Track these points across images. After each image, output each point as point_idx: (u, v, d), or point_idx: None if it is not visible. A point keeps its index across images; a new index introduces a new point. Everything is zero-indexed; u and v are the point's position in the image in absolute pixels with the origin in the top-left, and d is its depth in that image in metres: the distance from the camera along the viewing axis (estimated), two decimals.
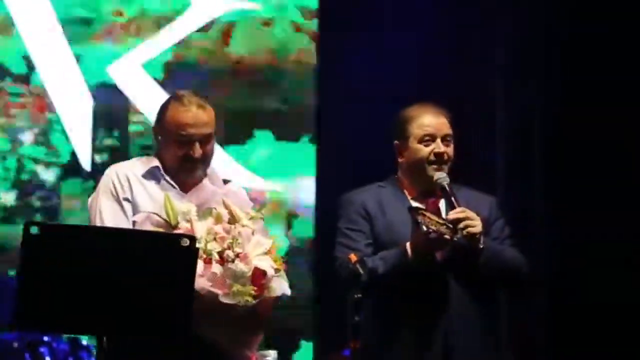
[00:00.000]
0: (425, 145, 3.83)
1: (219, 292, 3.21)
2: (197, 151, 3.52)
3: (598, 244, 6.18)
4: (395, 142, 3.92)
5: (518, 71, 6.80)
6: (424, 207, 3.71)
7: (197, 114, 3.54)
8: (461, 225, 3.68)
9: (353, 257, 3.52)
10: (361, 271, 3.48)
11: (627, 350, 6.10)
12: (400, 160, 3.92)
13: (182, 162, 3.54)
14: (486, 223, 3.82)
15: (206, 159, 3.58)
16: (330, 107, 7.14)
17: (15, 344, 5.58)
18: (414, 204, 3.78)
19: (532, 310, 6.44)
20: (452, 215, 3.71)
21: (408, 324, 3.75)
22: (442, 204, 3.88)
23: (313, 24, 7.25)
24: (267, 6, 7.21)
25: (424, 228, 3.61)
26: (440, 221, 3.64)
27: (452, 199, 3.76)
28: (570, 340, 6.22)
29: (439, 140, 3.83)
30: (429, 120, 3.85)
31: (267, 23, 7.20)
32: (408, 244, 3.69)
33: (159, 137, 3.61)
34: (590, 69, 6.35)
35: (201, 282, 3.20)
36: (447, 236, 3.60)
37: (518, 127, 6.76)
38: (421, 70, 6.75)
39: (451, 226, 3.63)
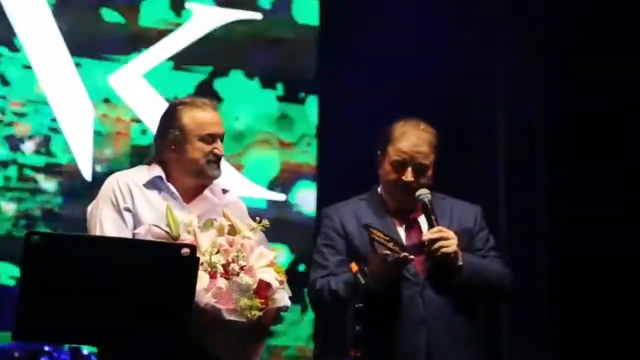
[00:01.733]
0: (396, 171, 3.82)
1: (223, 307, 3.20)
2: (221, 148, 3.60)
3: (600, 246, 6.20)
4: (378, 153, 3.92)
5: (519, 77, 6.81)
6: (374, 226, 3.67)
7: (215, 114, 3.64)
8: (435, 245, 3.68)
9: (354, 267, 3.53)
10: (362, 281, 3.48)
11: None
12: (379, 172, 3.93)
13: (209, 160, 3.58)
14: (469, 234, 3.82)
15: (221, 158, 3.63)
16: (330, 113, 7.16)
17: (16, 354, 5.57)
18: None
19: (535, 317, 6.44)
20: (427, 236, 3.71)
21: (389, 339, 3.73)
22: (422, 219, 3.86)
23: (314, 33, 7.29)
24: (267, 17, 7.23)
25: (378, 249, 3.60)
26: (390, 242, 3.62)
27: (432, 217, 3.75)
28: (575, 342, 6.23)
29: (409, 169, 3.81)
30: (406, 146, 3.82)
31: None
32: (367, 269, 3.62)
33: (176, 144, 3.59)
34: (590, 75, 6.37)
35: (206, 297, 3.19)
36: (401, 256, 3.57)
37: (519, 133, 6.77)
38: (421, 78, 6.76)
39: (397, 248, 3.60)
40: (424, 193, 3.80)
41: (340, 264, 3.81)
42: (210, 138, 3.59)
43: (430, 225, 3.75)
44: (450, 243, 3.69)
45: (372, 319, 3.68)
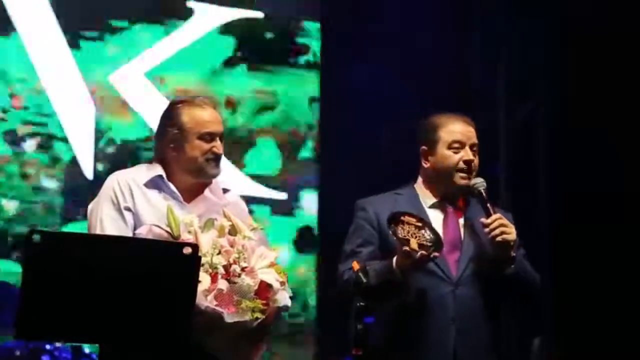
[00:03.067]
0: (454, 152, 3.80)
1: (224, 311, 3.20)
2: (220, 146, 3.59)
3: (600, 247, 6.20)
4: (423, 147, 3.87)
5: (519, 82, 6.82)
6: (406, 219, 3.62)
7: (214, 113, 3.64)
8: (497, 231, 3.66)
9: (355, 265, 3.52)
10: (363, 279, 3.48)
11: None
12: (425, 165, 3.87)
13: (208, 158, 3.58)
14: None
15: (221, 156, 3.62)
16: (332, 121, 7.17)
17: (18, 352, 5.57)
18: (403, 213, 3.69)
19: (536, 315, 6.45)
20: (488, 221, 3.68)
21: (417, 337, 3.72)
22: (460, 215, 3.82)
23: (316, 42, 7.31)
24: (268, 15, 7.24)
25: (399, 243, 3.56)
26: (421, 235, 3.59)
27: (488, 205, 3.74)
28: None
29: (467, 148, 3.80)
30: (459, 127, 3.82)
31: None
32: (394, 259, 3.63)
33: (175, 142, 3.59)
34: (590, 79, 6.37)
35: (207, 300, 3.19)
36: (422, 253, 3.53)
37: (520, 137, 6.77)
38: (422, 85, 6.77)
39: (430, 244, 3.58)
40: (479, 182, 3.79)
41: (371, 257, 3.76)
42: (209, 136, 3.59)
43: (487, 213, 3.72)
44: (511, 231, 3.68)
45: (402, 315, 3.71)
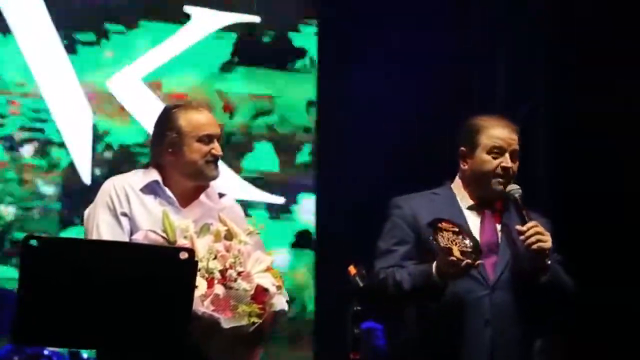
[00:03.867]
0: (494, 158, 3.77)
1: (221, 316, 3.20)
2: (219, 148, 3.60)
3: (600, 249, 6.20)
4: (462, 148, 3.84)
5: (519, 85, 6.82)
6: (443, 226, 3.59)
7: (210, 116, 3.65)
8: (533, 239, 3.64)
9: (352, 270, 3.52)
10: (360, 284, 3.47)
11: None
12: (463, 167, 3.85)
13: (208, 161, 3.58)
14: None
15: (219, 159, 3.63)
16: (330, 124, 7.17)
17: (16, 358, 5.57)
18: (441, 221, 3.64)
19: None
20: (524, 229, 3.66)
21: (452, 339, 3.70)
22: (497, 219, 3.79)
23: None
24: (265, 19, 7.25)
25: (442, 253, 3.53)
26: (460, 241, 3.56)
27: (524, 212, 3.72)
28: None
29: (507, 154, 3.77)
30: (500, 133, 3.78)
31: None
32: (434, 265, 3.59)
33: (174, 146, 3.59)
34: (589, 81, 6.38)
35: (204, 306, 3.19)
36: (467, 262, 3.50)
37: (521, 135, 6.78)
38: (421, 88, 6.78)
39: (471, 250, 3.55)
40: (514, 188, 3.77)
41: (407, 255, 3.73)
42: (208, 139, 3.59)
43: (523, 220, 3.70)
44: (547, 239, 3.66)
45: (438, 318, 3.69)
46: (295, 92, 7.29)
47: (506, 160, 3.77)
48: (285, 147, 7.24)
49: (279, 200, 7.17)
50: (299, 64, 7.33)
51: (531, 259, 3.69)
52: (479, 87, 6.99)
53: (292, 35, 7.32)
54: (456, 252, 3.51)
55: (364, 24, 7.01)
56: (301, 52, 7.32)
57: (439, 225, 3.58)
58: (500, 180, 3.77)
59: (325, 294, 6.98)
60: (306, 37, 7.32)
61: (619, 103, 6.29)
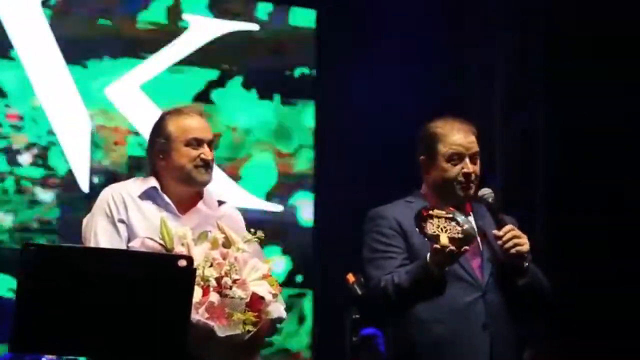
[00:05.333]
0: (454, 165, 3.77)
1: (216, 324, 3.19)
2: (209, 153, 3.58)
3: (599, 252, 6.20)
4: (421, 157, 3.85)
5: (518, 85, 6.82)
6: (435, 213, 3.58)
7: (201, 120, 3.64)
8: (510, 243, 3.64)
9: (350, 278, 3.51)
10: (359, 292, 3.47)
11: None
12: (426, 176, 3.86)
13: (197, 165, 3.57)
14: None
15: (212, 163, 3.61)
16: (329, 124, 7.17)
17: None
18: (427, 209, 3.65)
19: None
20: (501, 233, 3.66)
21: (450, 344, 3.69)
22: (472, 221, 3.79)
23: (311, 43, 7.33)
24: (264, 28, 7.26)
25: (426, 238, 3.54)
26: (452, 227, 3.55)
27: (499, 215, 3.73)
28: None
29: (467, 159, 3.78)
30: (457, 139, 3.78)
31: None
32: (428, 255, 3.60)
33: (164, 152, 3.58)
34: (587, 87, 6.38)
35: (199, 313, 3.18)
36: (451, 249, 3.50)
37: (518, 148, 6.78)
38: (420, 88, 6.77)
39: (461, 236, 3.55)
40: (487, 193, 3.78)
41: (404, 262, 3.72)
42: (196, 142, 3.58)
43: (499, 224, 3.71)
44: (525, 242, 3.66)
45: (433, 324, 3.69)
46: (293, 100, 7.31)
47: (466, 166, 3.76)
48: (284, 154, 7.24)
49: (278, 208, 7.17)
50: (297, 71, 7.34)
51: (509, 263, 3.68)
52: (479, 87, 6.99)
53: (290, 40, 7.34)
54: (443, 240, 3.50)
55: (363, 29, 7.02)
56: (300, 58, 7.34)
57: (430, 212, 3.58)
58: (464, 185, 3.77)
59: (324, 300, 6.99)
60: (305, 41, 7.33)
61: (618, 109, 6.29)
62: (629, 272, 6.26)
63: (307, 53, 7.31)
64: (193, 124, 3.60)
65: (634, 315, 6.22)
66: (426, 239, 3.55)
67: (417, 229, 3.56)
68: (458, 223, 3.58)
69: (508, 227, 3.69)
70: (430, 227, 3.54)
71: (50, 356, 5.58)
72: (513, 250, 3.65)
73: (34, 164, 6.68)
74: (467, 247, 3.55)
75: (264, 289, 3.29)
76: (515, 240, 3.65)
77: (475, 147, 3.80)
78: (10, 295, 6.07)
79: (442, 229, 3.55)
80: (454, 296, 3.68)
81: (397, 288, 3.66)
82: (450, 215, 3.59)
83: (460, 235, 3.55)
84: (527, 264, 3.70)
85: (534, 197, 6.65)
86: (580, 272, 6.23)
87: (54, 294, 2.90)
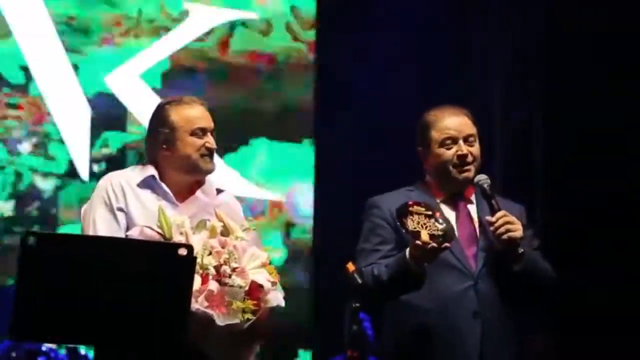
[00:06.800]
0: (447, 149, 3.75)
1: (215, 312, 3.19)
2: (213, 142, 3.60)
3: (599, 247, 6.20)
4: (419, 148, 3.84)
5: (517, 83, 6.83)
6: (415, 209, 3.58)
7: (203, 109, 3.64)
8: (502, 229, 3.62)
9: (350, 267, 3.51)
10: (359, 281, 3.47)
11: None
12: (426, 166, 3.85)
13: (202, 154, 3.58)
14: None
15: (214, 152, 3.63)
16: (328, 114, 7.17)
17: (14, 354, 5.57)
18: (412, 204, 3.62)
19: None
20: (494, 219, 3.65)
21: (440, 332, 3.69)
22: (472, 209, 3.81)
23: (310, 34, 7.31)
24: (264, 15, 7.25)
25: (407, 234, 3.54)
26: (432, 224, 3.55)
27: (493, 201, 3.70)
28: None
29: (460, 141, 3.75)
30: (449, 123, 3.77)
31: (265, 32, 7.25)
32: (407, 251, 3.59)
33: (168, 142, 3.58)
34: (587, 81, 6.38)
35: (198, 302, 3.18)
36: (432, 245, 3.50)
37: (517, 139, 6.79)
38: (419, 77, 6.77)
39: (441, 233, 3.54)
40: (482, 178, 3.74)
41: (390, 255, 3.71)
42: (201, 132, 3.59)
43: (493, 210, 3.68)
44: (517, 228, 3.63)
45: (424, 312, 3.69)
46: (293, 86, 7.30)
47: (460, 148, 3.74)
48: (283, 141, 7.24)
49: (277, 196, 7.18)
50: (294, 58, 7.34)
51: (503, 249, 3.67)
52: (478, 85, 7.00)
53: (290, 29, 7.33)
54: (424, 236, 3.49)
55: (363, 23, 7.02)
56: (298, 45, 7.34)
57: (410, 208, 3.57)
58: (460, 168, 3.75)
59: (323, 289, 6.99)
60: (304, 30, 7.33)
61: (618, 105, 6.29)
62: (628, 267, 6.26)
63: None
64: (197, 114, 3.61)
65: (634, 313, 6.22)
66: (406, 234, 3.55)
67: (398, 224, 3.56)
68: (437, 221, 3.57)
69: (501, 212, 3.67)
70: (411, 223, 3.54)
71: (49, 344, 5.59)
72: (505, 237, 3.63)
73: (33, 153, 6.68)
74: (447, 245, 3.54)
75: (263, 277, 3.30)
76: (508, 226, 3.63)
77: (468, 130, 3.78)
78: (11, 284, 6.08)
79: (422, 226, 3.54)
80: (446, 284, 3.67)
81: (375, 280, 3.65)
82: (430, 213, 3.58)
83: (440, 232, 3.54)
84: (521, 250, 3.68)
85: (532, 195, 6.65)
86: (579, 268, 6.23)
87: (54, 283, 2.90)
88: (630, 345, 6.13)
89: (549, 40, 6.67)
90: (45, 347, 5.64)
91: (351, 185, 6.65)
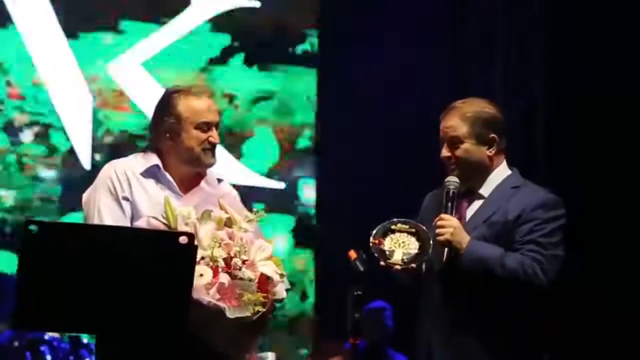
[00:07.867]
0: (441, 150, 3.81)
1: (226, 305, 3.19)
2: (217, 136, 3.58)
3: (599, 244, 6.20)
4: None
5: (518, 75, 6.82)
6: (397, 227, 3.65)
7: (210, 102, 3.62)
8: (436, 231, 3.66)
9: (352, 254, 3.52)
10: (361, 268, 3.47)
11: None
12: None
13: (205, 148, 3.57)
14: (506, 225, 3.74)
15: (216, 146, 3.62)
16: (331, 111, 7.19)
17: (16, 343, 5.57)
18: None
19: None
20: (436, 220, 3.69)
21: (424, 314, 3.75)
22: (473, 207, 3.82)
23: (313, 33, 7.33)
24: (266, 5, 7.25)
25: (375, 254, 3.60)
26: (410, 243, 3.62)
27: (449, 204, 3.73)
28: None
29: (445, 144, 3.79)
30: (441, 124, 3.81)
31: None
32: None
33: (172, 132, 3.57)
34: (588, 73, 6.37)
35: (210, 294, 3.18)
36: (396, 268, 3.57)
37: (518, 133, 6.77)
38: (420, 76, 6.77)
39: (412, 252, 3.60)
40: (451, 181, 3.77)
41: None
42: (206, 126, 3.58)
43: (446, 211, 3.72)
44: (445, 231, 3.66)
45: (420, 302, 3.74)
46: (295, 79, 7.30)
47: (443, 151, 3.78)
48: (285, 132, 7.24)
49: (280, 186, 7.17)
50: (299, 50, 7.34)
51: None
52: (479, 73, 6.99)
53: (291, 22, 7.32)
54: (397, 255, 3.56)
55: (364, 17, 7.02)
56: (301, 39, 7.33)
57: (392, 227, 3.64)
58: (448, 168, 3.79)
59: (326, 279, 7.00)
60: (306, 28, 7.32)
61: (618, 100, 6.28)
62: (630, 258, 6.25)
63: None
64: (203, 106, 3.59)
65: (635, 306, 6.22)
66: (375, 255, 3.60)
67: (375, 241, 3.61)
68: (416, 239, 3.62)
69: (438, 217, 3.69)
70: (389, 242, 3.60)
71: (52, 333, 5.60)
72: (438, 239, 3.67)
73: (35, 141, 6.67)
74: (413, 265, 3.59)
75: (270, 269, 3.29)
76: (438, 230, 3.67)
77: (452, 132, 3.78)
78: (12, 272, 6.08)
79: (399, 245, 3.60)
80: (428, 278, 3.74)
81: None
82: (413, 231, 3.63)
83: (412, 251, 3.60)
84: (463, 252, 3.66)
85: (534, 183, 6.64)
86: (580, 258, 6.22)
87: (56, 271, 2.90)
88: (631, 345, 6.13)
89: (550, 27, 6.66)
90: (48, 336, 5.64)
91: (354, 177, 6.67)
